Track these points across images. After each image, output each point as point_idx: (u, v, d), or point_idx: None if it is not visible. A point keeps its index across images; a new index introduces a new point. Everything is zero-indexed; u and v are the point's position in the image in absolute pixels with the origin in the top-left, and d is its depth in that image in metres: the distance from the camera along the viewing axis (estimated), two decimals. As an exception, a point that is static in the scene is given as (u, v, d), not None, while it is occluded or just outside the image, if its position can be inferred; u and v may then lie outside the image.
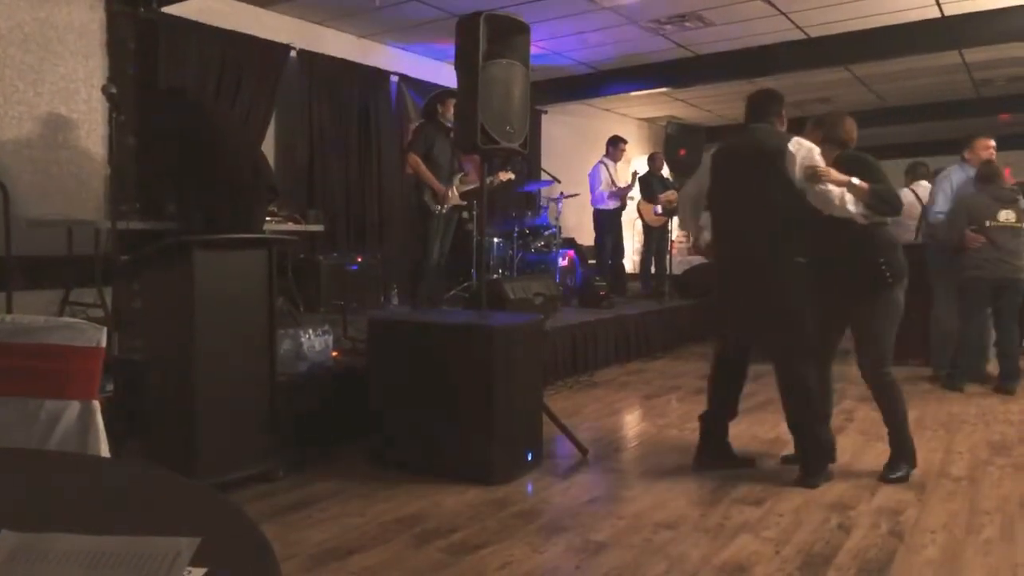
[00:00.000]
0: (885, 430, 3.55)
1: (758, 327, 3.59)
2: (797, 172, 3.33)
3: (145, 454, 3.21)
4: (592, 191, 8.35)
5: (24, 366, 1.67)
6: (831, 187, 3.28)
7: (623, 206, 8.32)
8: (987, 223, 5.24)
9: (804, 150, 3.37)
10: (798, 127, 3.73)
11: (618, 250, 8.54)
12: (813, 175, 3.28)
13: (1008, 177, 5.39)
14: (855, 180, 3.28)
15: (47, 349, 1.68)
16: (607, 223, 8.31)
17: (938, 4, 6.36)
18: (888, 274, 3.40)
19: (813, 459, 3.44)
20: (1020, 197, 5.31)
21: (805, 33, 7.23)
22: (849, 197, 3.28)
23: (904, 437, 3.51)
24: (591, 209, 8.48)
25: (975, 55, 7.80)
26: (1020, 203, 5.28)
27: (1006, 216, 5.24)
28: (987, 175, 5.40)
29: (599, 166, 8.33)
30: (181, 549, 0.78)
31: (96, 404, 1.69)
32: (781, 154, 3.36)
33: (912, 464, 3.50)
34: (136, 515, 1.00)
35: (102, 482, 1.20)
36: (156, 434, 3.23)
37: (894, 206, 3.38)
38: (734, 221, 3.57)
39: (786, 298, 3.41)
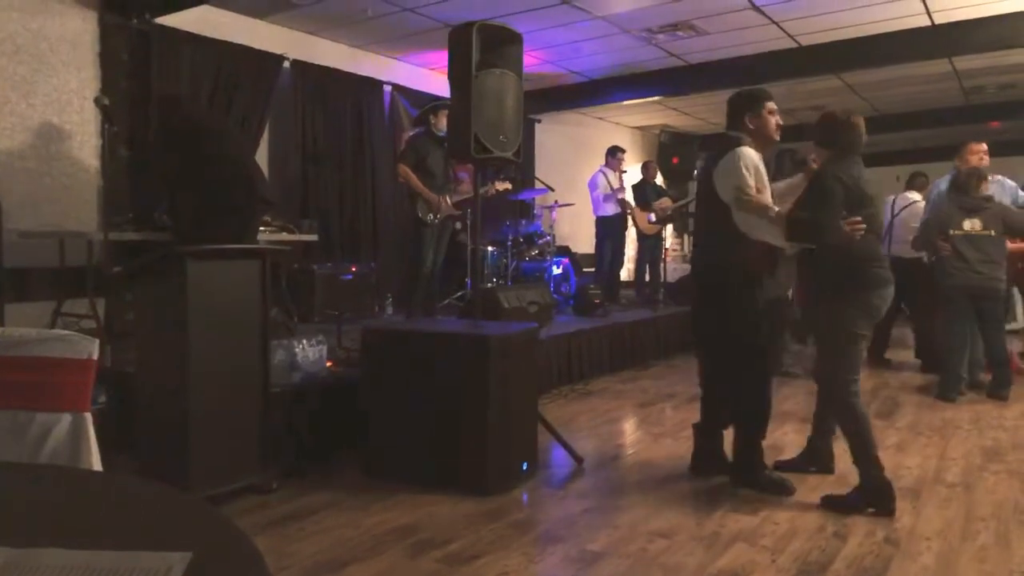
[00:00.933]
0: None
1: (707, 338, 3.64)
2: (721, 192, 3.35)
3: (137, 467, 3.19)
4: (593, 200, 8.38)
5: (15, 379, 1.66)
6: (752, 215, 3.27)
7: (623, 212, 8.33)
8: (951, 232, 5.32)
9: (728, 167, 3.32)
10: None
11: (616, 259, 8.55)
12: (735, 199, 3.28)
13: (985, 186, 5.41)
14: (774, 210, 3.24)
15: (39, 361, 1.67)
16: (608, 230, 8.33)
17: (928, 13, 6.41)
18: (830, 284, 3.30)
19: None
20: (989, 205, 5.33)
21: (796, 42, 7.27)
22: (762, 224, 3.27)
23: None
24: (585, 217, 8.49)
25: (965, 63, 7.85)
26: (990, 210, 5.31)
27: (971, 225, 5.29)
28: (958, 184, 5.49)
29: (598, 175, 8.36)
30: (173, 564, 0.77)
31: (88, 416, 1.68)
32: (713, 166, 3.41)
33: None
34: (127, 529, 0.99)
35: (93, 496, 1.19)
36: (148, 446, 3.21)
37: (812, 237, 3.26)
38: (696, 232, 3.74)
39: (727, 311, 3.41)
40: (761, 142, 3.50)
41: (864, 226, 3.13)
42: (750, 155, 3.37)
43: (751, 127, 3.48)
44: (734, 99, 3.60)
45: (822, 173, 3.34)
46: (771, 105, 3.51)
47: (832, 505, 3.20)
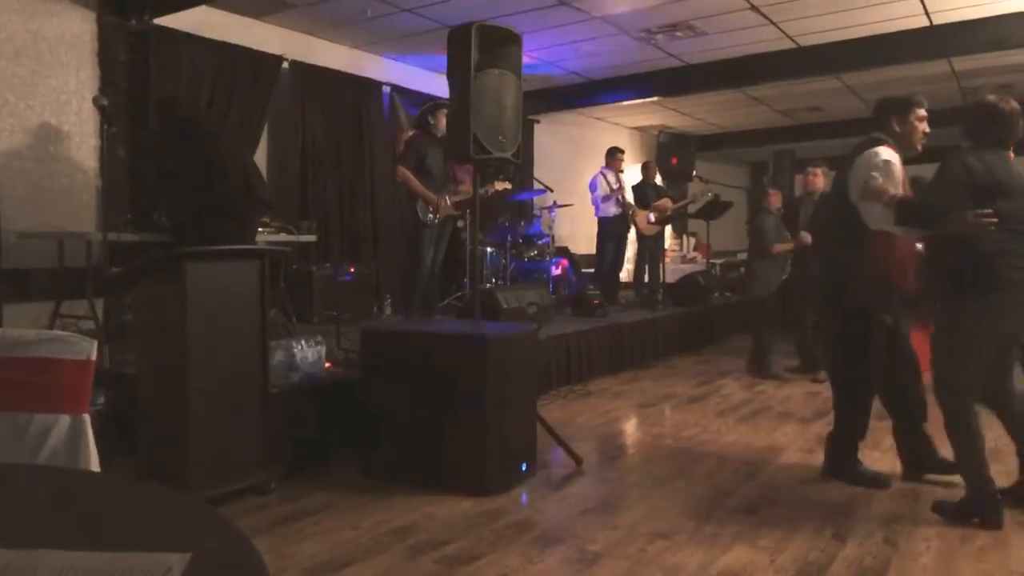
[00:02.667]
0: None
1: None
2: (852, 190, 3.32)
3: (136, 467, 3.18)
4: (593, 201, 8.39)
5: (14, 380, 1.66)
6: (873, 200, 3.22)
7: (625, 212, 8.32)
8: None
9: (859, 165, 3.30)
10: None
11: (617, 260, 8.55)
12: (864, 191, 3.23)
13: None
14: (888, 193, 3.16)
15: (37, 362, 1.67)
16: (609, 231, 8.32)
17: (927, 13, 6.41)
18: (951, 281, 3.11)
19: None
20: None
21: (795, 42, 7.27)
22: (885, 214, 3.20)
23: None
24: (584, 218, 8.49)
25: (963, 64, 7.86)
26: None
27: None
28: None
29: (598, 176, 8.36)
30: (172, 565, 0.77)
31: (86, 417, 1.68)
32: (850, 165, 3.38)
33: None
34: (126, 530, 0.99)
35: (92, 497, 1.19)
36: (147, 447, 3.20)
37: (919, 220, 3.13)
38: (820, 235, 3.79)
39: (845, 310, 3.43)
40: (904, 148, 3.41)
41: (995, 220, 2.81)
42: (883, 154, 3.31)
43: (897, 130, 3.42)
44: (883, 101, 3.54)
45: (950, 156, 3.07)
46: (921, 112, 3.43)
47: (942, 511, 3.11)
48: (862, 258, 3.34)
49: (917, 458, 3.59)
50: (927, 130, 3.47)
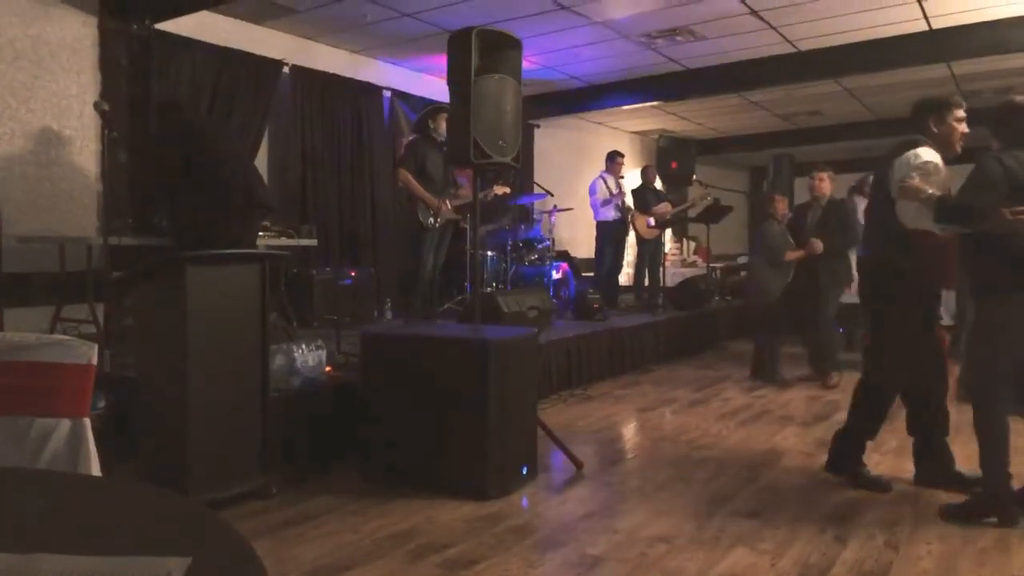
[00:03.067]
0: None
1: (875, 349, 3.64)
2: (892, 189, 3.30)
3: (136, 472, 3.18)
4: (592, 205, 8.40)
5: (15, 384, 1.66)
6: (910, 199, 3.19)
7: (623, 217, 8.34)
8: None
9: (903, 166, 3.28)
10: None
11: (616, 264, 8.56)
12: (902, 191, 3.20)
13: None
14: (926, 191, 3.12)
15: (38, 367, 1.67)
16: (608, 235, 8.34)
17: (926, 18, 6.43)
18: (986, 280, 3.12)
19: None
20: None
21: (795, 47, 7.29)
22: (921, 212, 3.17)
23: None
24: (584, 222, 8.50)
25: (962, 67, 7.87)
26: None
27: None
28: None
29: (597, 180, 8.37)
30: (171, 569, 0.77)
31: (87, 422, 1.68)
32: (889, 165, 3.38)
33: None
34: (126, 534, 0.99)
35: (92, 501, 1.19)
36: (148, 451, 3.20)
37: (958, 218, 3.06)
38: (864, 234, 3.76)
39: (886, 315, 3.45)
40: (943, 149, 3.37)
41: None
42: (924, 155, 3.28)
43: (934, 131, 3.40)
44: (921, 102, 3.51)
45: (986, 156, 3.07)
46: (959, 113, 3.40)
47: (949, 516, 3.09)
48: (902, 257, 3.35)
49: (933, 467, 3.55)
50: (966, 131, 3.43)
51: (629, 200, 8.44)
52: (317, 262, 6.60)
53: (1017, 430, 3.17)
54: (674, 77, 8.29)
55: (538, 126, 9.65)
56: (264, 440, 3.33)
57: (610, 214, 8.26)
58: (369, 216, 7.50)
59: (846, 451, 3.61)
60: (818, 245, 5.84)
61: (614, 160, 8.46)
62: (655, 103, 9.35)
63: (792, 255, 6.04)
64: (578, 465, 3.84)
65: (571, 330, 6.26)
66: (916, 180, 3.17)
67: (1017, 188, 2.92)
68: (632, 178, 9.24)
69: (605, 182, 8.31)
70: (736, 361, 7.14)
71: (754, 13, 6.34)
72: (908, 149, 3.34)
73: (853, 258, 6.47)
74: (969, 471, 3.39)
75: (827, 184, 6.00)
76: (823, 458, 3.77)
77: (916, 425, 3.61)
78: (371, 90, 7.58)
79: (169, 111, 4.88)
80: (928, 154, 3.30)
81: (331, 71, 7.15)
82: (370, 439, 3.66)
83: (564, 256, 8.58)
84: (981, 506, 3.08)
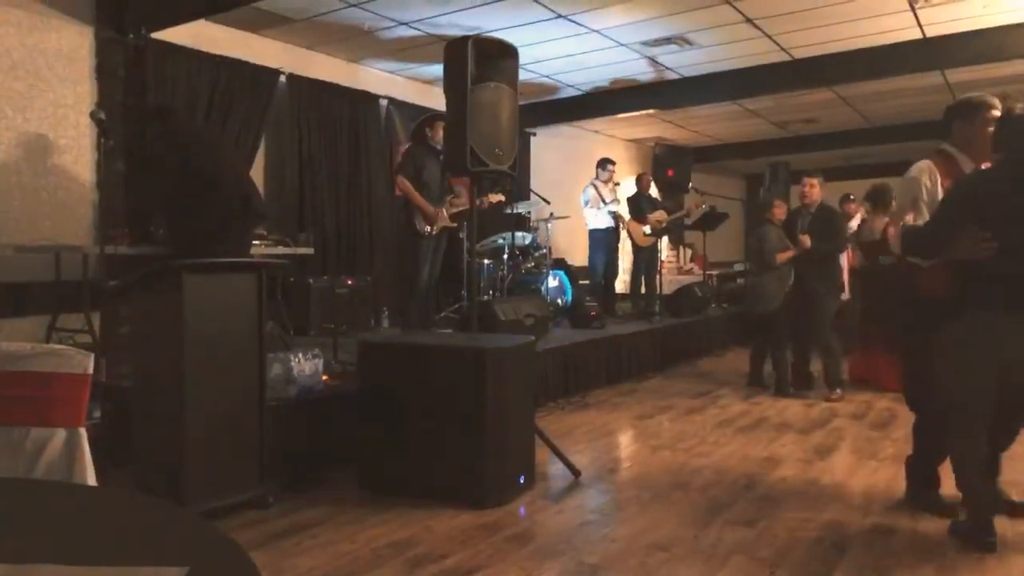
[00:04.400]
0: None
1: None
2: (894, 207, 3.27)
3: (133, 482, 3.17)
4: (584, 212, 8.41)
5: (10, 394, 1.66)
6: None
7: (615, 224, 8.34)
8: None
9: (903, 183, 3.18)
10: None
11: (610, 271, 8.57)
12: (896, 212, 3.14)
13: None
14: (903, 219, 3.04)
15: (33, 377, 1.67)
16: (599, 242, 8.35)
17: (920, 26, 6.47)
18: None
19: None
20: None
21: (790, 55, 7.32)
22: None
23: None
24: (581, 230, 8.51)
25: (957, 75, 7.92)
26: None
27: None
28: None
29: (588, 187, 8.39)
30: (169, 579, 0.77)
31: (83, 431, 1.68)
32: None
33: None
34: (123, 544, 0.98)
35: (89, 511, 1.18)
36: (144, 461, 3.19)
37: (920, 251, 2.96)
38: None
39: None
40: (975, 155, 3.13)
41: (993, 244, 2.66)
42: (912, 171, 3.16)
43: (962, 136, 3.17)
44: (950, 106, 3.27)
45: (961, 176, 2.93)
46: (990, 115, 3.06)
47: (959, 533, 3.00)
48: (922, 276, 3.12)
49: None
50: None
51: (623, 207, 8.44)
52: (314, 270, 6.60)
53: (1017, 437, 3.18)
54: (670, 85, 8.33)
55: (534, 134, 9.67)
56: (261, 449, 3.32)
57: (601, 222, 8.27)
58: (366, 224, 7.51)
59: (919, 481, 3.38)
60: (806, 240, 5.86)
61: (604, 167, 8.46)
62: (651, 111, 9.39)
63: (783, 256, 6.06)
64: (576, 473, 3.83)
65: (568, 338, 6.26)
66: (894, 205, 3.12)
67: (992, 212, 2.76)
68: (628, 186, 9.26)
69: (596, 189, 8.32)
70: (733, 368, 7.14)
71: (749, 21, 6.38)
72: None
73: (844, 263, 6.52)
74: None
75: (817, 191, 6.03)
76: (821, 465, 3.76)
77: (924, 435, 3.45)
78: (368, 99, 7.60)
79: (163, 115, 4.87)
80: (916, 170, 3.19)
81: (328, 80, 7.17)
82: (367, 448, 3.65)
83: (561, 264, 8.58)
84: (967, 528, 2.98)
